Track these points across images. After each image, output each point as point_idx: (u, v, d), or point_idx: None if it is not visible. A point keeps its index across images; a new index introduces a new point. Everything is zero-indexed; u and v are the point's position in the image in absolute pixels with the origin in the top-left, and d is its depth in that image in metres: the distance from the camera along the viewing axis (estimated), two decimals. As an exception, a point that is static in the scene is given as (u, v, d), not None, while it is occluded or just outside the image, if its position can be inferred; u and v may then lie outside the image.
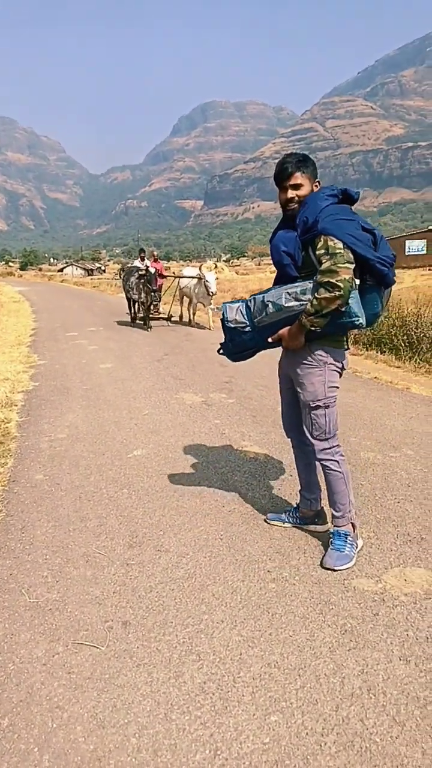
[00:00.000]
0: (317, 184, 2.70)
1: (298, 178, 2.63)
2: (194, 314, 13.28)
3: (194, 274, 12.84)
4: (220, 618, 2.31)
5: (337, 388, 2.77)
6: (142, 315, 12.86)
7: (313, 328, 2.57)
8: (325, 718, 1.79)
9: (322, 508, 3.07)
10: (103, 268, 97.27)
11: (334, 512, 2.79)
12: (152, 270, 12.14)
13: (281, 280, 2.76)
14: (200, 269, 12.46)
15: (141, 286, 12.28)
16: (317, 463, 2.89)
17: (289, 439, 3.13)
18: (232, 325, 2.79)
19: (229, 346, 2.91)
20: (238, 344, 2.86)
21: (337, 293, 2.47)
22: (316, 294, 2.51)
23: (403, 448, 4.33)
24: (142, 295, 12.33)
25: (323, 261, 2.51)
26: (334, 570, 2.63)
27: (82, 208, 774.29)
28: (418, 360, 8.49)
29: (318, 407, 2.72)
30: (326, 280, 2.47)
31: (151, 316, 12.86)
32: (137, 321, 13.28)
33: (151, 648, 2.15)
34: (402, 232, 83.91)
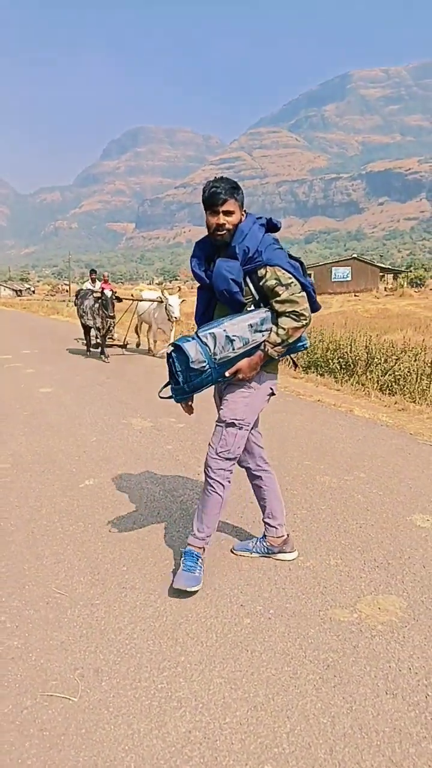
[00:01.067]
0: (244, 212, 2.68)
1: (231, 205, 2.58)
2: (155, 342, 11.92)
3: (155, 297, 11.60)
4: (198, 659, 2.20)
5: (257, 414, 2.79)
6: (96, 343, 11.70)
7: (276, 357, 2.64)
8: (321, 764, 1.72)
9: (289, 535, 3.03)
10: (32, 289, 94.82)
11: (197, 532, 2.75)
12: (108, 293, 10.83)
13: (227, 309, 2.69)
14: (162, 292, 11.30)
15: (96, 311, 11.16)
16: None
17: (244, 470, 3.06)
18: (196, 366, 2.53)
19: (185, 389, 2.64)
20: (195, 385, 2.61)
21: (304, 322, 2.59)
22: (281, 324, 2.57)
23: (355, 471, 4.38)
24: (98, 320, 11.17)
25: (278, 291, 2.57)
26: (186, 591, 2.61)
27: (10, 228, 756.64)
28: (354, 383, 8.72)
29: (233, 425, 2.70)
30: (291, 309, 2.57)
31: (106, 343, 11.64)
32: (91, 350, 11.97)
33: (128, 696, 2.00)
34: (327, 259, 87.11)
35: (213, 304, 2.82)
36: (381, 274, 61.25)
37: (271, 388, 2.79)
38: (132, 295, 12.23)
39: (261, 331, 2.57)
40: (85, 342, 12.28)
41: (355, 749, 1.77)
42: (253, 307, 2.64)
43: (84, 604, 2.57)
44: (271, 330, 2.59)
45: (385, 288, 55.63)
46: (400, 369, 8.74)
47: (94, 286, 12.62)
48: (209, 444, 2.78)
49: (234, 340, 2.52)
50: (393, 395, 7.75)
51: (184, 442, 5.22)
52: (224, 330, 2.53)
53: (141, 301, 11.83)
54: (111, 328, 11.29)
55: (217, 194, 2.55)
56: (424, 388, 7.79)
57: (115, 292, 11.11)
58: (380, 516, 3.55)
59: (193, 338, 2.55)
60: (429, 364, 8.82)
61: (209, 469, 2.72)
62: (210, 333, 2.53)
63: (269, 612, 2.51)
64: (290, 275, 2.58)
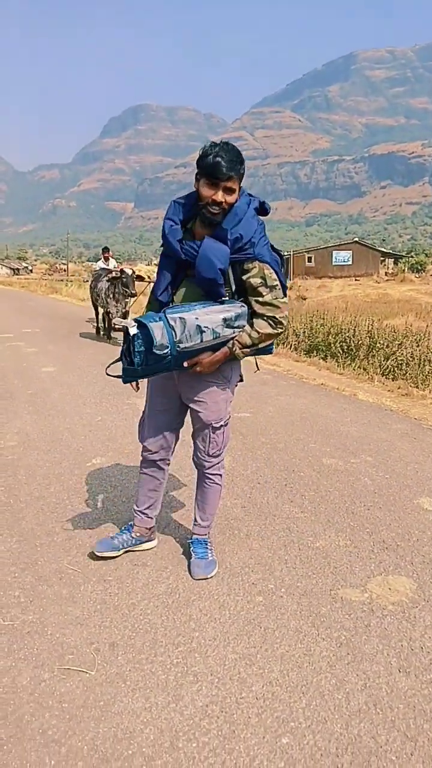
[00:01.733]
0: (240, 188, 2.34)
1: (234, 182, 2.27)
2: None
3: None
4: (212, 635, 2.22)
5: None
6: (109, 327, 10.70)
7: (240, 358, 2.49)
8: (337, 738, 1.75)
9: (155, 525, 2.91)
10: (30, 267, 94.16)
11: (200, 521, 2.74)
12: (128, 271, 9.69)
13: (197, 289, 2.39)
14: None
15: (111, 294, 9.98)
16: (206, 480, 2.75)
17: (146, 455, 2.80)
18: (159, 352, 2.24)
19: (138, 372, 2.34)
20: (150, 370, 2.35)
21: (280, 330, 2.44)
22: (256, 327, 2.40)
23: (362, 455, 4.40)
24: (111, 304, 10.03)
25: (261, 292, 2.39)
26: (207, 578, 2.61)
27: (8, 205, 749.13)
28: (356, 367, 8.72)
29: (221, 426, 2.63)
30: (271, 314, 2.40)
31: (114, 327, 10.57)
32: (102, 334, 11.07)
33: (145, 670, 2.03)
34: (328, 242, 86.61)
35: (179, 279, 2.46)
36: (382, 258, 60.97)
37: (240, 375, 2.69)
38: (149, 277, 10.58)
39: (233, 327, 2.35)
40: (96, 324, 11.54)
41: (371, 724, 1.80)
42: (227, 298, 2.40)
43: (97, 581, 2.60)
44: (243, 329, 2.39)
45: (386, 273, 55.45)
46: (402, 354, 8.74)
47: (108, 265, 11.78)
48: (197, 448, 2.69)
49: (204, 331, 2.26)
50: (396, 380, 7.76)
51: (189, 423, 5.22)
52: (196, 318, 2.26)
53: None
54: (127, 308, 10.13)
55: (221, 166, 2.21)
56: (427, 374, 7.79)
57: (134, 272, 9.98)
58: (387, 499, 3.57)
59: (161, 318, 2.27)
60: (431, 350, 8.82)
61: (203, 467, 2.69)
62: (180, 318, 2.25)
63: (281, 590, 2.53)
64: (276, 277, 2.40)
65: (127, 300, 9.97)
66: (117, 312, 10.02)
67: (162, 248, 2.46)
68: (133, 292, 9.53)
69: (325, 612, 2.38)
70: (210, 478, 2.71)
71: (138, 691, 1.93)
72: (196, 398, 2.57)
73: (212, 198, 2.26)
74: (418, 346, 9.25)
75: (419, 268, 57.04)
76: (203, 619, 2.33)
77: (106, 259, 12.15)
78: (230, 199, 2.28)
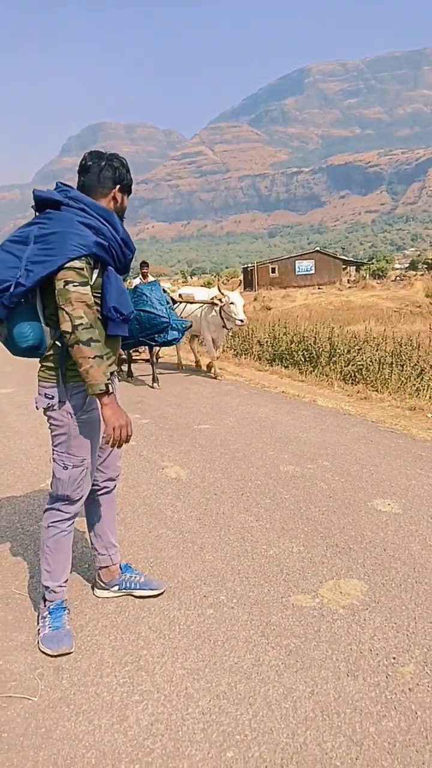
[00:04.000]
0: None
1: None
2: (217, 352, 8.87)
3: (206, 295, 8.68)
4: (160, 652, 2.18)
5: None
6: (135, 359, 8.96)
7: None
8: (283, 747, 1.72)
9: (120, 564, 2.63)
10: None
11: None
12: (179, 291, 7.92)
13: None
14: (219, 289, 8.14)
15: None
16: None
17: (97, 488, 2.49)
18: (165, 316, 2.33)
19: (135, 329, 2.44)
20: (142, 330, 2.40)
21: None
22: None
23: (319, 460, 4.41)
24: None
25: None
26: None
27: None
28: (318, 374, 8.80)
29: (61, 467, 2.29)
30: None
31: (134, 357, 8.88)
32: (130, 375, 8.72)
33: (89, 693, 1.98)
34: (291, 252, 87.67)
35: None
36: (344, 266, 61.93)
37: (84, 400, 2.22)
38: (180, 297, 8.82)
39: None
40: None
41: (317, 731, 1.78)
42: None
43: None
44: None
45: (348, 280, 56.29)
46: (362, 359, 8.86)
47: (147, 281, 9.69)
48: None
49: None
50: (356, 385, 7.85)
51: (148, 437, 5.18)
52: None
53: (191, 303, 8.70)
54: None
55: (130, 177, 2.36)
56: (386, 377, 7.90)
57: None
58: (342, 502, 3.59)
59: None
60: (390, 354, 8.96)
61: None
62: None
63: (232, 601, 2.51)
64: None
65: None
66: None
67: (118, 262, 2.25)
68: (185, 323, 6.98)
69: (275, 620, 2.36)
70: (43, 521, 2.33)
71: (81, 715, 1.88)
72: None
73: (125, 207, 2.38)
74: (377, 350, 9.40)
75: (380, 274, 58.12)
76: (152, 636, 2.28)
77: (145, 276, 10.32)
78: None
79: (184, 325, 6.74)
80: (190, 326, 7.46)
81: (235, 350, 11.32)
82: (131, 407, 6.41)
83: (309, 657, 2.13)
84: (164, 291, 7.50)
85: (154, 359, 7.93)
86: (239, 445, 4.85)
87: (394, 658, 2.11)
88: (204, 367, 9.22)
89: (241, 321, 7.72)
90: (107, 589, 2.56)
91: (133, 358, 8.78)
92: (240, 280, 10.61)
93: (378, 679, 2.01)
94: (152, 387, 7.58)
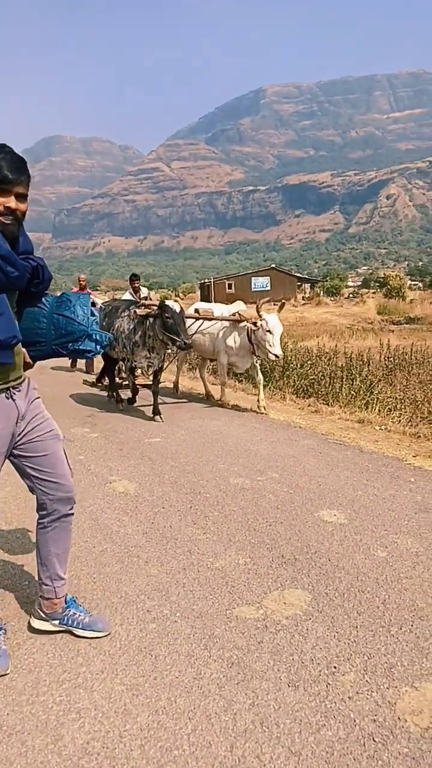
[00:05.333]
0: None
1: (26, 187, 1.94)
2: (223, 384, 7.44)
3: (228, 312, 7.09)
4: (99, 668, 2.13)
5: None
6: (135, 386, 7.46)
7: None
8: (221, 761, 1.70)
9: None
10: None
11: None
12: (175, 305, 6.23)
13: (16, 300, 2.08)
14: (258, 309, 6.54)
15: (140, 340, 6.53)
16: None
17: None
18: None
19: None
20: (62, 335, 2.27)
21: None
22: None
23: (268, 472, 4.43)
24: (142, 356, 6.62)
25: None
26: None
27: None
28: (271, 387, 8.88)
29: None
30: None
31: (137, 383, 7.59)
32: (121, 401, 7.31)
33: (24, 713, 1.91)
34: (247, 269, 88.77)
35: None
36: (299, 283, 62.97)
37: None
38: (197, 311, 7.35)
39: None
40: (105, 386, 8.38)
41: (256, 743, 1.76)
42: None
43: (-19, 623, 2.44)
44: None
45: (303, 297, 57.26)
46: (314, 373, 9.00)
47: (138, 297, 8.51)
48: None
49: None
50: (308, 398, 7.95)
51: (97, 451, 5.11)
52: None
53: (210, 319, 7.16)
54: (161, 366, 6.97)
55: (14, 167, 1.89)
56: (337, 390, 8.04)
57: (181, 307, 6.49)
58: (290, 513, 3.60)
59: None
60: (341, 369, 9.14)
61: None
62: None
63: (176, 615, 2.47)
64: None
65: (168, 350, 6.84)
66: (150, 369, 6.79)
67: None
68: (187, 340, 6.24)
69: (219, 633, 2.34)
70: None
71: (14, 736, 1.81)
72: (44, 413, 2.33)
73: (4, 205, 1.89)
74: (329, 364, 9.57)
75: (334, 291, 59.29)
76: (92, 652, 2.23)
77: (136, 291, 9.29)
78: (24, 207, 1.95)
79: (105, 338, 6.28)
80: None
81: (190, 364, 11.32)
82: (81, 421, 6.32)
83: (251, 669, 2.11)
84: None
85: (156, 386, 6.63)
86: (190, 458, 4.83)
87: (335, 667, 2.11)
88: (219, 399, 7.40)
89: (276, 356, 6.38)
90: (47, 621, 2.36)
91: (136, 383, 7.45)
92: (282, 300, 8.54)
93: (318, 688, 2.01)
94: (153, 419, 6.35)
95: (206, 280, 62.01)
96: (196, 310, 7.37)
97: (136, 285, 9.44)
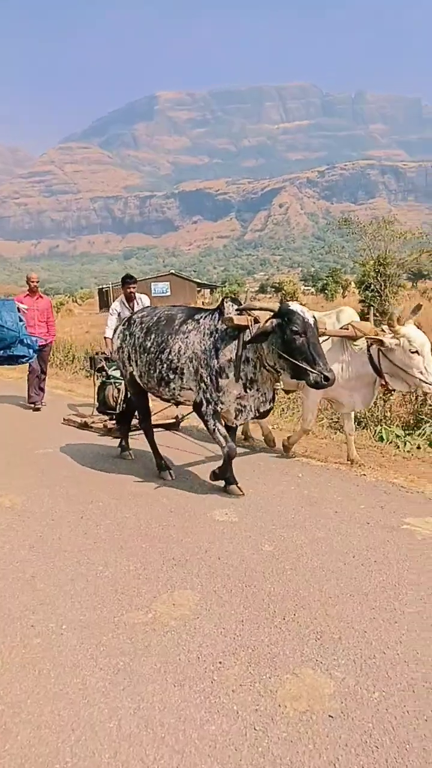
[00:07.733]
0: None
1: None
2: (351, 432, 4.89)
3: (329, 323, 4.62)
4: (-21, 690, 2.05)
5: None
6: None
7: None
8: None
9: None
10: None
11: None
12: (307, 314, 3.66)
13: None
14: (391, 320, 4.33)
15: (250, 362, 3.90)
16: None
17: None
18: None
19: None
20: None
21: None
22: None
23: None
24: (249, 392, 3.95)
25: None
26: None
27: None
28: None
29: None
30: None
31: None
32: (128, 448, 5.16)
33: None
34: (147, 274, 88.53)
35: None
36: (198, 289, 63.70)
37: None
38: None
39: None
40: (107, 420, 6.12)
41: (140, 746, 1.77)
42: None
43: None
44: None
45: (203, 303, 58.00)
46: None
47: (132, 306, 6.76)
48: None
49: None
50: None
51: (-16, 465, 4.89)
52: None
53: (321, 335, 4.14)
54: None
55: None
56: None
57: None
58: (183, 516, 3.64)
59: None
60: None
61: None
62: None
63: (62, 627, 2.43)
64: None
65: (278, 386, 4.14)
66: (239, 416, 4.20)
67: None
68: (328, 374, 3.52)
69: (106, 641, 2.32)
70: None
71: None
72: None
73: None
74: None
75: (233, 296, 60.65)
76: (-29, 674, 2.14)
77: (130, 299, 6.92)
78: None
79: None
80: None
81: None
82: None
83: (137, 673, 2.11)
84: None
85: (178, 425, 5.26)
86: (84, 467, 4.75)
87: (220, 663, 2.17)
88: (282, 445, 5.09)
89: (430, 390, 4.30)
90: None
91: (154, 423, 5.18)
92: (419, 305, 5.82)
93: (204, 685, 2.05)
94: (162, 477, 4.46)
95: (105, 286, 61.17)
96: None
97: (131, 291, 6.85)
